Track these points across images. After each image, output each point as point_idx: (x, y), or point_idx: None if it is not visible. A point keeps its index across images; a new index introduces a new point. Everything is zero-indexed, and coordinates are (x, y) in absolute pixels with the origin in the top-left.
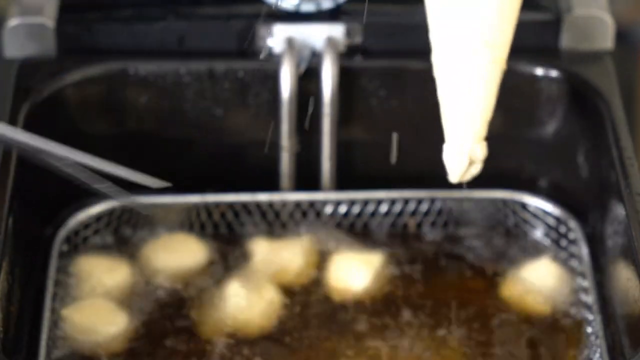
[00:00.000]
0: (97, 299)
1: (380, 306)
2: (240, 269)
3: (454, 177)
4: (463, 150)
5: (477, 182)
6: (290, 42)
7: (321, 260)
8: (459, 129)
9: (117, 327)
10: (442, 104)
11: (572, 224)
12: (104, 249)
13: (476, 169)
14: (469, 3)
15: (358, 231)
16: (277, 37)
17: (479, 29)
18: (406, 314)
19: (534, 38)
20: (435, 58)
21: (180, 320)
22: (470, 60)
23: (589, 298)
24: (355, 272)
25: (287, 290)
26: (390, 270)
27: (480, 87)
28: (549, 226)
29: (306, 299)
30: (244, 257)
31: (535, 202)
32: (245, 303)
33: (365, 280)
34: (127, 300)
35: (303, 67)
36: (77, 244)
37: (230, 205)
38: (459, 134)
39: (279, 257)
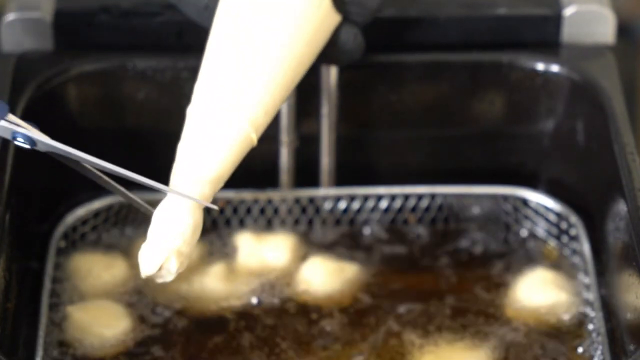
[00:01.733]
0: (99, 299)
1: (367, 305)
2: (226, 262)
3: (143, 269)
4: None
5: (477, 178)
6: None
7: (305, 257)
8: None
9: (117, 327)
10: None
11: (574, 219)
12: (102, 245)
13: (165, 277)
14: (247, 77)
15: (357, 227)
16: None
17: (248, 104)
18: (401, 310)
19: (535, 33)
20: (191, 111)
21: (179, 317)
22: (226, 127)
23: (591, 295)
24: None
25: (265, 286)
26: (367, 277)
27: (222, 152)
28: (550, 222)
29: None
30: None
31: (536, 197)
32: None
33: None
34: (125, 297)
35: None
36: (75, 240)
37: (229, 201)
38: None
39: (262, 252)
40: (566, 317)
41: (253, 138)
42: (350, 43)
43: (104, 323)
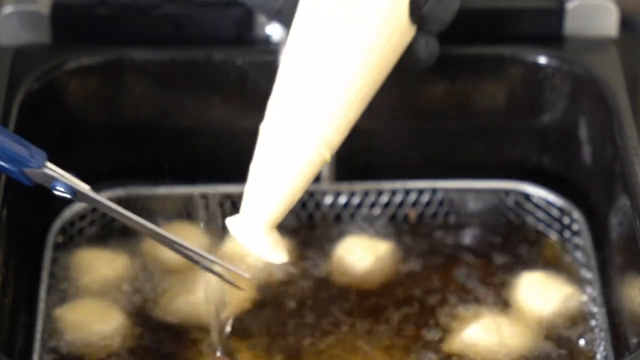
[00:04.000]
0: (91, 297)
1: (371, 299)
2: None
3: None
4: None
5: (479, 173)
6: None
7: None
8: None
9: (112, 324)
10: (251, 173)
11: (576, 214)
12: (99, 240)
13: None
14: (319, 91)
15: (358, 222)
16: (275, 25)
17: (323, 124)
18: (403, 306)
19: (537, 26)
20: (264, 127)
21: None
22: (298, 148)
23: (593, 290)
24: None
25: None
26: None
27: (293, 174)
28: (552, 217)
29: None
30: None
31: (538, 192)
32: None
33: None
34: (125, 292)
35: None
36: (73, 235)
37: (228, 196)
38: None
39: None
40: (568, 313)
41: (326, 157)
42: (423, 52)
43: (100, 320)
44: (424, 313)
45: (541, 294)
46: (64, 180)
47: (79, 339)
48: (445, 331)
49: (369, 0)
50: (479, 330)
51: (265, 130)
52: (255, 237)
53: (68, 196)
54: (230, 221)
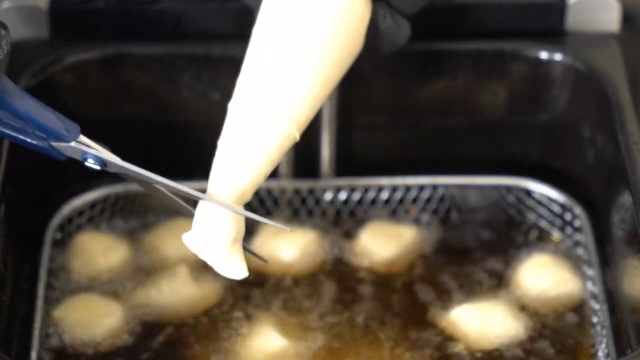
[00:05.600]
0: (90, 293)
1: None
2: None
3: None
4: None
5: (480, 169)
6: None
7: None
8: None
9: (110, 321)
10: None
11: (578, 210)
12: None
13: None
14: (287, 69)
15: (359, 218)
16: None
17: (291, 101)
18: (404, 301)
19: (538, 21)
20: (233, 106)
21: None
22: (267, 126)
23: (595, 287)
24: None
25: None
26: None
27: (262, 151)
28: (554, 213)
29: None
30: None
31: (539, 188)
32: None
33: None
34: (124, 288)
35: None
36: (71, 232)
37: None
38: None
39: None
40: (570, 309)
41: (295, 135)
42: (382, 24)
43: (99, 317)
44: (422, 308)
45: (542, 291)
46: (94, 152)
47: (77, 337)
48: (444, 330)
49: None
50: (472, 314)
51: (234, 109)
52: (216, 255)
53: (98, 167)
54: (188, 237)
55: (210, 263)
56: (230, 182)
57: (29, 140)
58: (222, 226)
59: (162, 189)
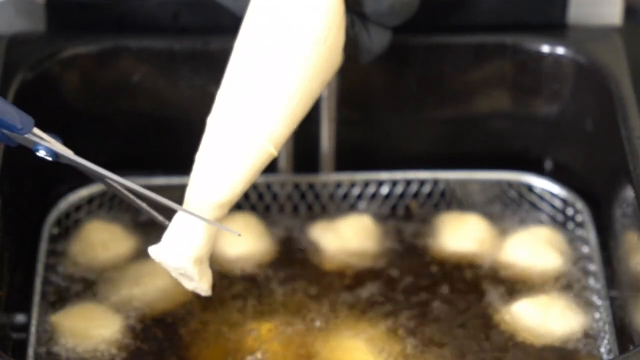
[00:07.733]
0: (88, 303)
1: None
2: None
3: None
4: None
5: (481, 163)
6: None
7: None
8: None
9: (109, 327)
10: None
11: (580, 206)
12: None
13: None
14: (265, 87)
15: (360, 213)
16: None
17: (268, 120)
18: (404, 296)
19: (540, 14)
20: (211, 121)
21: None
22: (245, 142)
23: (597, 283)
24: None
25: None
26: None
27: (239, 169)
28: (555, 209)
29: None
30: None
31: (541, 183)
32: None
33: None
34: (123, 285)
35: None
36: (68, 227)
37: None
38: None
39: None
40: (571, 306)
41: (273, 152)
42: (350, 32)
43: (96, 324)
44: (422, 303)
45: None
46: (45, 144)
47: (76, 340)
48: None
49: None
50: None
51: (212, 124)
52: (184, 271)
53: (49, 159)
54: (156, 249)
55: (174, 276)
56: (205, 197)
57: None
58: (194, 244)
59: (118, 186)
